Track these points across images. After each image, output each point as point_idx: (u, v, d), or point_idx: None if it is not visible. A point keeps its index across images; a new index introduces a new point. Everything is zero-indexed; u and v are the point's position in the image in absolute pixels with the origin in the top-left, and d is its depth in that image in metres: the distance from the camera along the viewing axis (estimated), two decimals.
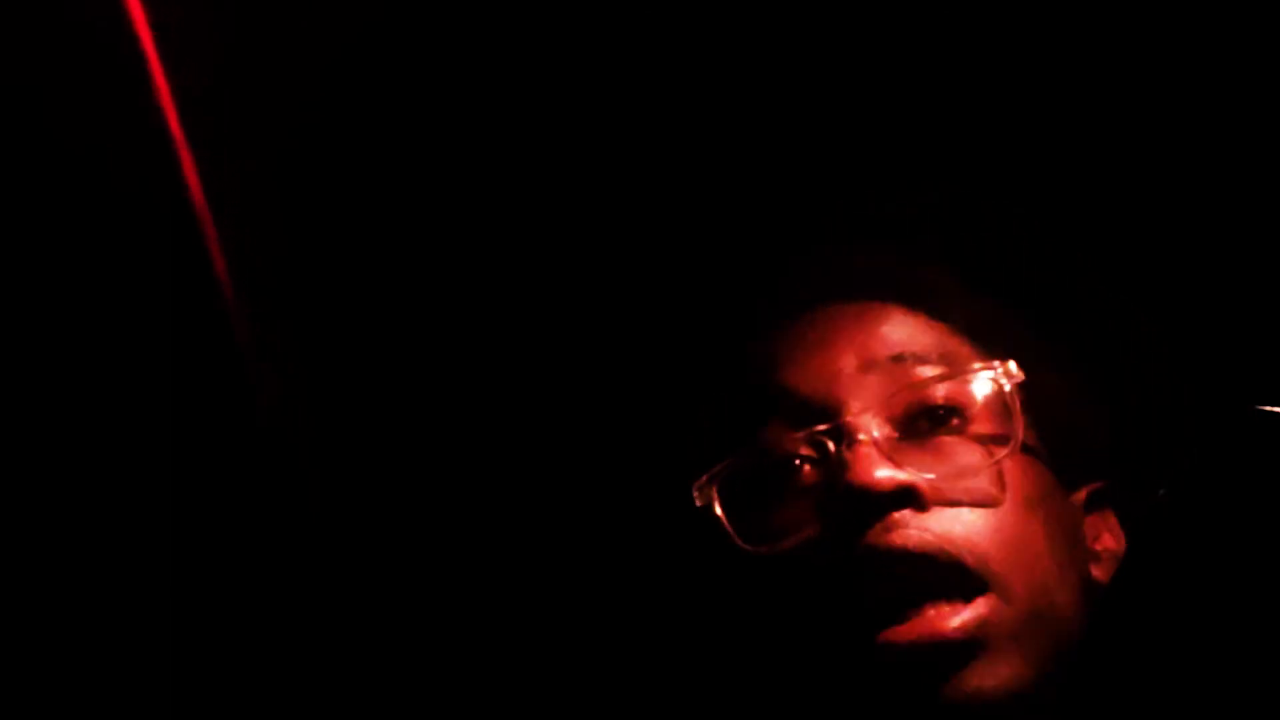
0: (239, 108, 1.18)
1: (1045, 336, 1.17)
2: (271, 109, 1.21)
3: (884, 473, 1.07)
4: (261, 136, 1.21)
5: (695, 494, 1.12)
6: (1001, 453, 1.09)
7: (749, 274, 1.23)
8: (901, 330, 1.14)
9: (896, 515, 1.06)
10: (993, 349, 1.14)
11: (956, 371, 1.12)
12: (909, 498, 1.07)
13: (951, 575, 1.05)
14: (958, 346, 1.14)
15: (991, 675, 1.03)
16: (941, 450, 1.10)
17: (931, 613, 1.04)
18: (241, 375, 1.16)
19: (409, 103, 1.26)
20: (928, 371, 1.12)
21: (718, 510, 1.11)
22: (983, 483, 1.09)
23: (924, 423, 1.11)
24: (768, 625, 1.09)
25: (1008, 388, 1.11)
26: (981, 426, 1.11)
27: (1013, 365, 1.11)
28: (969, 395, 1.12)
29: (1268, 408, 0.93)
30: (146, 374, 1.20)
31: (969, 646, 1.03)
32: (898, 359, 1.12)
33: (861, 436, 1.08)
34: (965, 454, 1.10)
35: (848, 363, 1.12)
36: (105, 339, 1.19)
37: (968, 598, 1.05)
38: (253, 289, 1.16)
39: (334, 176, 1.25)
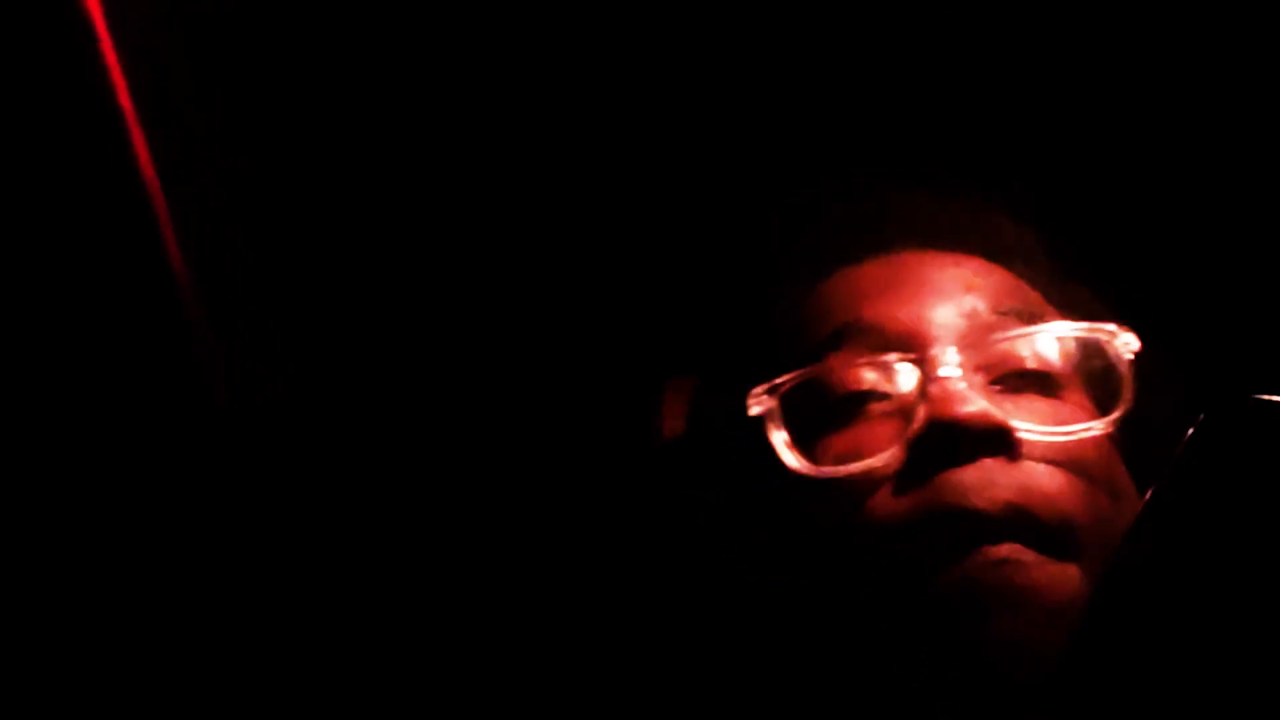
0: (194, 89, 1.15)
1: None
2: (230, 90, 1.18)
3: (976, 408, 0.99)
4: (219, 119, 1.17)
5: (752, 402, 1.04)
6: (1103, 421, 1.02)
7: (820, 209, 1.15)
8: (994, 280, 1.07)
9: (987, 460, 0.98)
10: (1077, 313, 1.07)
11: (1054, 324, 1.05)
12: (1000, 442, 0.99)
13: (1040, 530, 0.98)
14: (1046, 304, 1.08)
15: (1043, 634, 0.95)
16: (1035, 406, 1.03)
17: (1013, 551, 0.97)
18: (195, 364, 1.13)
19: (372, 81, 1.23)
20: (1022, 325, 1.04)
21: (778, 423, 1.03)
22: (1076, 447, 1.01)
23: (1015, 378, 1.04)
24: (817, 554, 1.01)
25: (1126, 356, 1.04)
26: (1078, 390, 1.05)
27: (1131, 335, 1.05)
28: (1067, 355, 1.05)
29: (1266, 396, 0.88)
30: (100, 366, 1.16)
31: (1043, 598, 0.96)
32: (992, 311, 1.05)
33: (951, 371, 1.01)
34: (1061, 413, 1.03)
35: (935, 302, 1.05)
36: (57, 328, 1.17)
37: (1057, 556, 0.98)
38: (208, 276, 1.13)
39: (295, 160, 1.21)
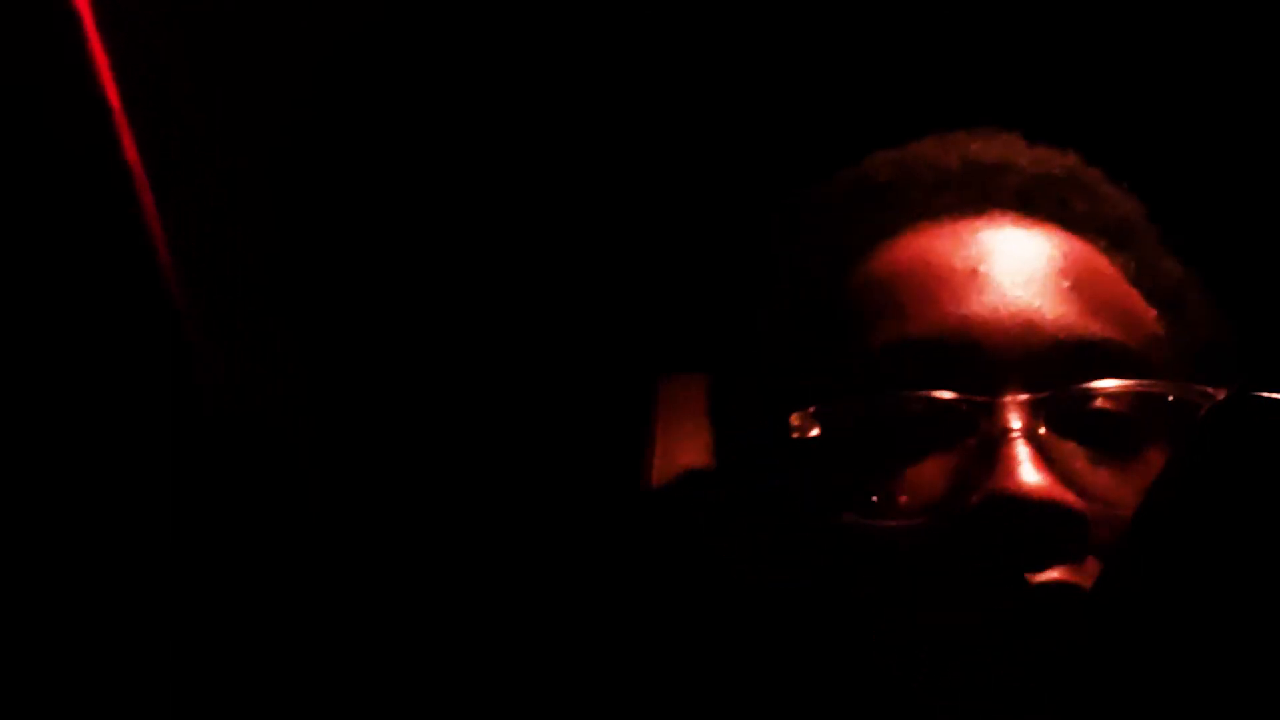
0: (185, 85, 1.15)
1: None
2: (222, 86, 1.17)
3: (1046, 485, 0.84)
4: (207, 114, 1.16)
5: (795, 425, 0.90)
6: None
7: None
8: (1081, 284, 0.92)
9: (1049, 555, 0.85)
10: (1188, 337, 0.94)
11: (1146, 381, 0.89)
12: (1069, 532, 0.85)
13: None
14: (1155, 329, 0.93)
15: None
16: (1110, 477, 0.89)
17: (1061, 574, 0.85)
18: (187, 365, 1.13)
19: (369, 78, 1.22)
20: (1111, 369, 0.89)
21: (816, 454, 0.89)
22: None
23: (1087, 432, 0.89)
24: (834, 605, 0.91)
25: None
26: (1160, 447, 0.90)
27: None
28: (1157, 409, 0.90)
29: (1265, 394, 0.84)
30: (90, 369, 1.16)
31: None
32: (1076, 341, 0.89)
33: (1019, 426, 0.86)
34: (1138, 482, 0.89)
35: (1007, 313, 0.90)
36: (48, 331, 1.16)
37: None
38: (199, 275, 1.12)
39: (287, 157, 1.20)
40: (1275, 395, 0.84)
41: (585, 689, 1.16)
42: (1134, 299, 0.95)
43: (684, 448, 1.12)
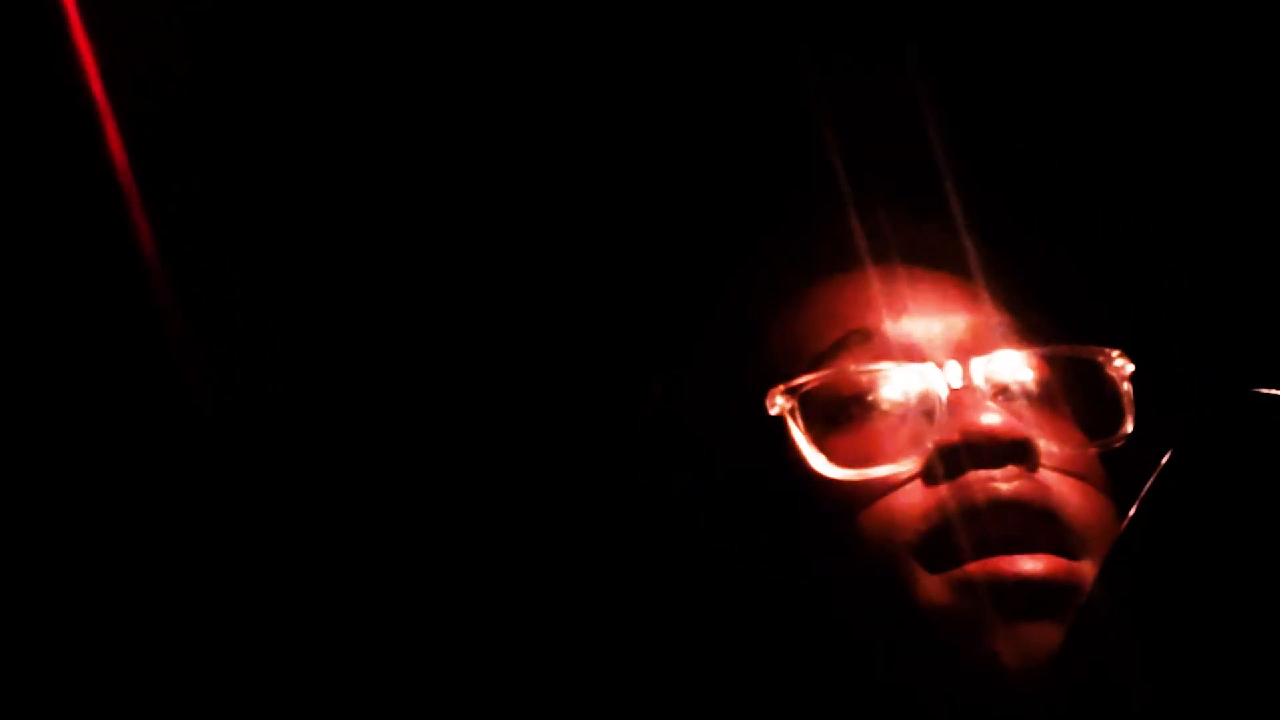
0: (164, 75, 1.13)
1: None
2: (199, 77, 1.16)
3: (1003, 421, 1.03)
4: (189, 106, 1.15)
5: (771, 402, 1.07)
6: (1106, 441, 1.07)
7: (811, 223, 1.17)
8: (984, 301, 1.11)
9: (1013, 467, 1.03)
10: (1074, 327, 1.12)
11: (1057, 346, 1.10)
12: (1025, 453, 1.03)
13: (1058, 536, 1.02)
14: (1049, 318, 1.12)
15: (1048, 639, 0.99)
16: (1041, 420, 1.07)
17: (1038, 558, 1.01)
18: (166, 354, 1.11)
19: (362, 75, 1.21)
20: (1024, 343, 1.09)
21: (798, 422, 1.06)
22: (1085, 462, 1.06)
23: (1013, 392, 1.08)
24: (833, 553, 1.04)
25: (1121, 379, 1.09)
26: (1070, 409, 1.09)
27: (1124, 359, 1.09)
28: (1062, 375, 1.09)
29: (1266, 390, 0.88)
30: (76, 370, 1.14)
31: (1058, 600, 1.00)
32: (994, 325, 1.09)
33: (975, 381, 1.06)
34: (1063, 430, 1.07)
35: (935, 311, 1.10)
36: (34, 331, 1.14)
37: (1078, 558, 1.02)
38: (179, 263, 1.11)
39: (264, 148, 1.19)
40: (1275, 391, 0.88)
41: (583, 688, 1.18)
42: (1027, 295, 1.13)
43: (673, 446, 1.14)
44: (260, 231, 1.18)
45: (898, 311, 1.09)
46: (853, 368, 1.07)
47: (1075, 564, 1.02)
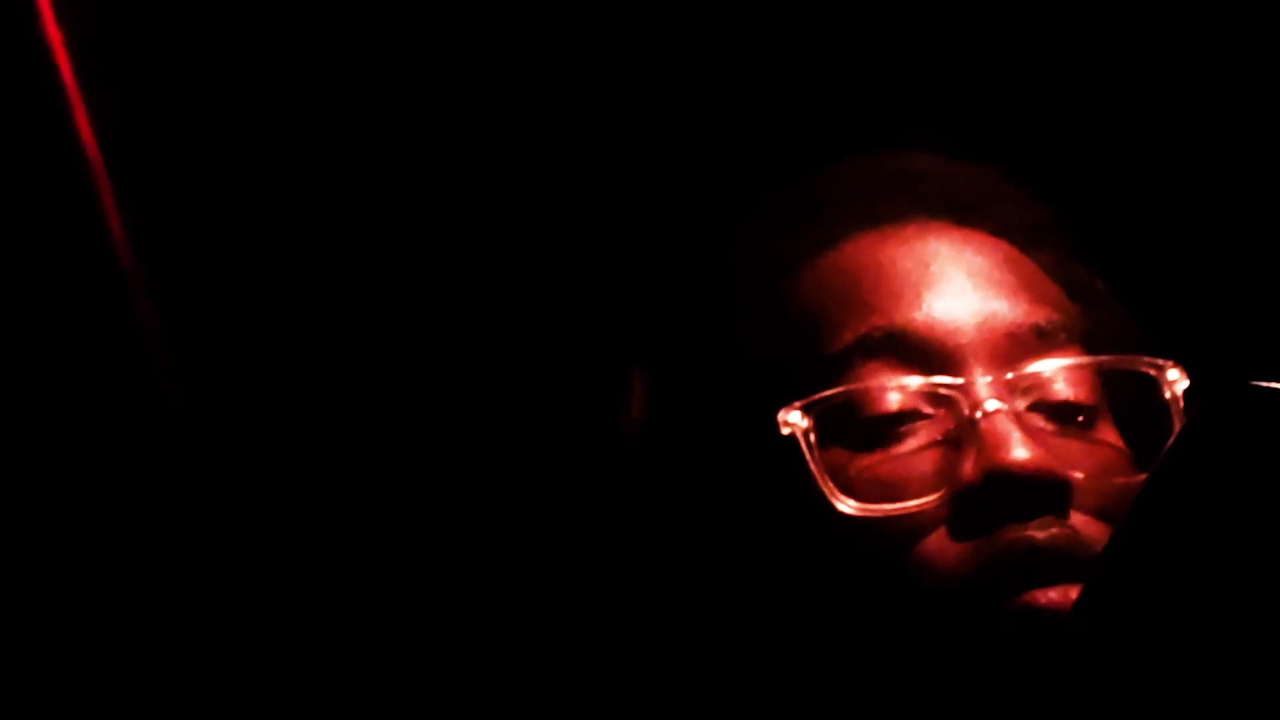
0: (134, 56, 1.11)
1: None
2: (167, 57, 1.14)
3: (1036, 456, 0.92)
4: (159, 87, 1.13)
5: (783, 421, 0.94)
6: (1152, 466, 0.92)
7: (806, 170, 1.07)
8: (1023, 280, 0.99)
9: (1048, 517, 0.91)
10: (1107, 325, 1.01)
11: (1104, 358, 0.98)
12: (1060, 498, 0.92)
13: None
14: (1083, 319, 1.00)
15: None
16: (1077, 446, 0.96)
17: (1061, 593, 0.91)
18: (140, 343, 1.09)
19: (332, 66, 1.18)
20: (1064, 351, 0.97)
21: (812, 446, 0.94)
22: (1117, 494, 0.94)
23: (1050, 409, 0.96)
24: (847, 593, 0.94)
25: (1171, 395, 0.97)
26: (1114, 429, 0.98)
27: (1178, 371, 0.97)
28: (1102, 387, 0.98)
29: (1263, 383, 0.82)
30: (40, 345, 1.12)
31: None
32: (1032, 327, 0.97)
33: (998, 405, 0.93)
34: (1101, 454, 0.96)
35: (968, 305, 0.97)
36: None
37: None
38: (149, 248, 1.09)
39: (234, 127, 1.17)
40: (1273, 385, 0.82)
41: (570, 687, 1.14)
42: (1057, 291, 1.01)
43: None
44: (237, 222, 1.16)
45: (926, 299, 0.97)
46: (873, 383, 0.95)
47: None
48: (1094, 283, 1.04)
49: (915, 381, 0.95)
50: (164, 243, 1.12)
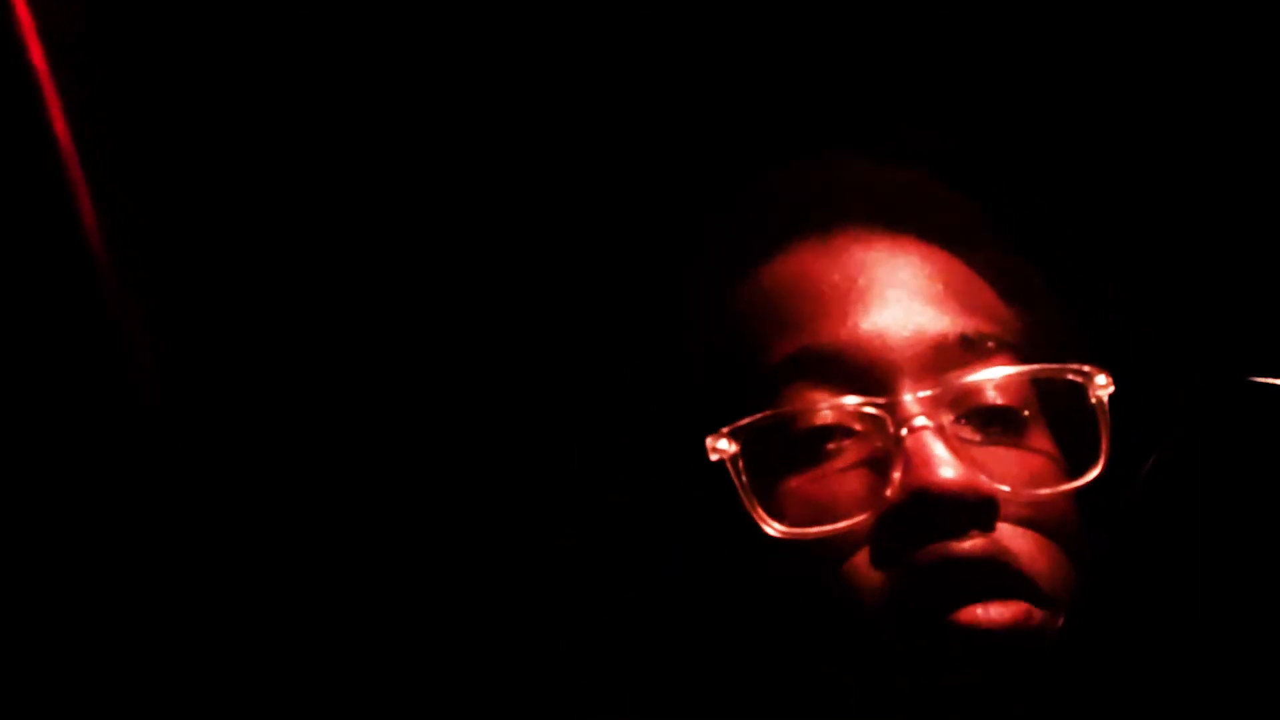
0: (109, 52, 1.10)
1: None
2: (146, 54, 1.13)
3: (959, 475, 0.93)
4: (135, 83, 1.12)
5: (712, 447, 0.97)
6: (1084, 477, 0.97)
7: (735, 179, 1.10)
8: (951, 288, 1.00)
9: (969, 530, 0.93)
10: (1043, 326, 1.02)
11: (1030, 367, 0.99)
12: (986, 515, 0.94)
13: (1020, 585, 0.94)
14: (1015, 322, 1.01)
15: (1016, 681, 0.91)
16: (1005, 455, 0.97)
17: (1006, 604, 0.93)
18: (115, 341, 1.08)
19: (313, 59, 1.18)
20: (992, 360, 0.98)
21: (741, 472, 0.96)
22: (1048, 505, 0.96)
23: (979, 419, 0.98)
24: (775, 614, 0.97)
25: (1096, 400, 0.98)
26: (1043, 431, 0.99)
27: (1105, 377, 0.98)
28: (1034, 393, 0.99)
29: (1261, 379, 0.84)
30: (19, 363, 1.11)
31: (1024, 646, 0.92)
32: (959, 339, 0.98)
33: (924, 422, 0.95)
34: (1030, 463, 0.98)
35: (894, 320, 0.98)
36: None
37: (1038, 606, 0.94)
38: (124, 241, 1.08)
39: (212, 123, 1.16)
40: (1272, 380, 0.84)
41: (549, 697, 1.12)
42: (991, 295, 1.02)
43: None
44: (215, 219, 1.15)
45: (854, 315, 0.98)
46: (800, 406, 0.97)
47: (1040, 610, 0.93)
48: (1031, 280, 1.05)
49: (842, 402, 0.97)
50: (140, 240, 1.10)
